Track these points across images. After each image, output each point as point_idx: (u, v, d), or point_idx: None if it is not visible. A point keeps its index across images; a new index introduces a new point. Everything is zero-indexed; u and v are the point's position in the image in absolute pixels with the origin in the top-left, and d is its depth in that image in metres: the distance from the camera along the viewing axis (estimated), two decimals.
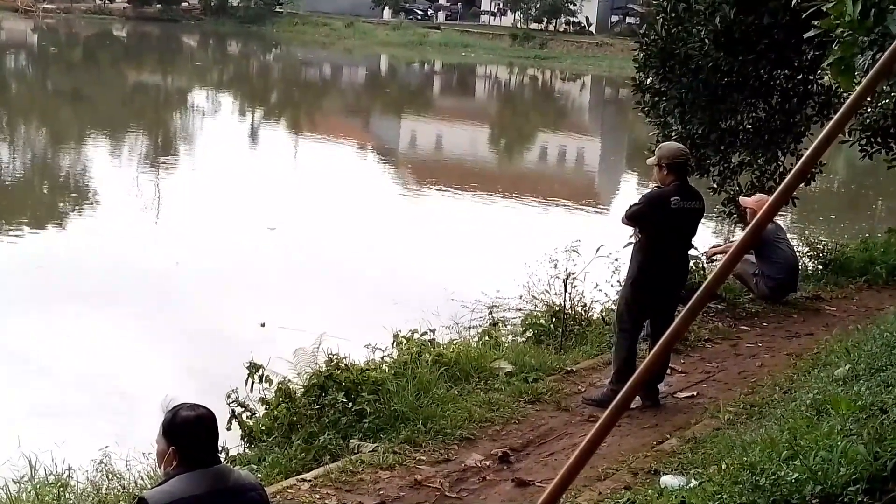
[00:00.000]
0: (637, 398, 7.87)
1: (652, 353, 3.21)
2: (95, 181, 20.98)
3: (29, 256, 14.64)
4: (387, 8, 73.72)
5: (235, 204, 18.39)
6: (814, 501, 4.14)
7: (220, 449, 4.14)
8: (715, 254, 11.52)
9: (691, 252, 8.52)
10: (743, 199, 11.94)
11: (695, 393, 8.32)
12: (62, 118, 31.66)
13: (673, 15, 12.28)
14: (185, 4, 76.33)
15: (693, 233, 8.02)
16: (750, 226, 3.10)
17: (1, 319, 11.43)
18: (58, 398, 9.32)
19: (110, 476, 6.49)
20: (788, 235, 12.20)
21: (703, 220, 8.24)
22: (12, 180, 21.89)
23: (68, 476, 6.36)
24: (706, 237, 12.84)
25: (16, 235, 15.86)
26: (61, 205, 19.41)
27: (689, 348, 9.42)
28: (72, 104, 34.86)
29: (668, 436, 7.22)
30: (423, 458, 6.76)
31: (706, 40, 12.02)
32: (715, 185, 13.09)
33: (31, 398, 9.22)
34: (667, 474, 6.01)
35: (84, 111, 33.22)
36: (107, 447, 6.75)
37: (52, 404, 9.09)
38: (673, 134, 12.28)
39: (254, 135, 31.68)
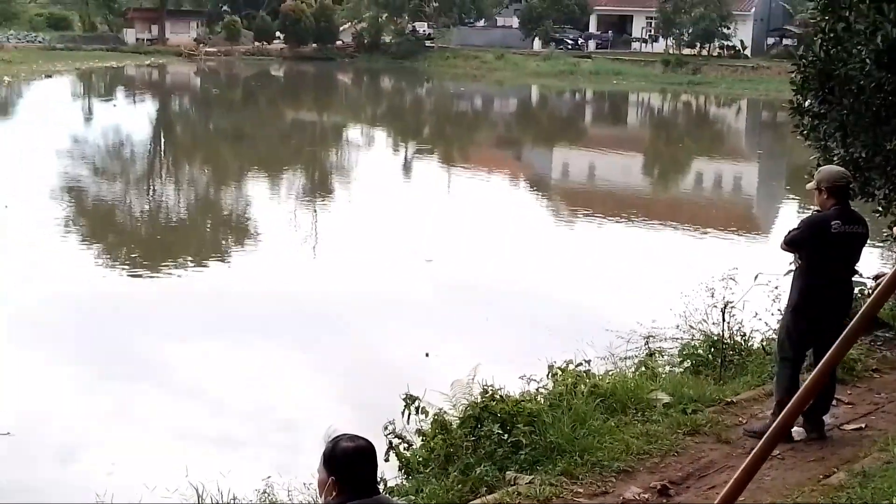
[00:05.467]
0: (802, 430, 7.65)
1: (809, 379, 3.12)
2: (256, 216, 21.68)
3: (194, 291, 15.18)
4: (537, 39, 73.90)
5: (392, 236, 18.70)
6: None
7: (378, 480, 4.16)
8: (882, 279, 11.09)
9: (856, 278, 8.23)
10: None
11: (863, 425, 8.02)
12: (224, 157, 32.82)
13: (831, 35, 11.94)
14: (339, 43, 78.67)
15: (856, 258, 7.76)
16: None
17: (169, 351, 11.86)
18: (223, 428, 9.60)
19: None
20: None
21: (868, 245, 7.96)
22: (178, 218, 22.79)
23: None
24: (872, 262, 12.37)
25: (182, 270, 16.46)
26: (224, 240, 20.08)
27: (856, 379, 9.10)
28: (233, 143, 36.08)
29: (836, 469, 6.98)
30: (581, 490, 6.70)
31: (867, 60, 11.64)
32: (881, 209, 12.64)
33: (199, 428, 9.53)
34: None
35: (244, 149, 34.35)
36: (269, 477, 6.91)
37: (217, 434, 9.37)
38: (834, 158, 11.91)
39: (407, 168, 32.19)
